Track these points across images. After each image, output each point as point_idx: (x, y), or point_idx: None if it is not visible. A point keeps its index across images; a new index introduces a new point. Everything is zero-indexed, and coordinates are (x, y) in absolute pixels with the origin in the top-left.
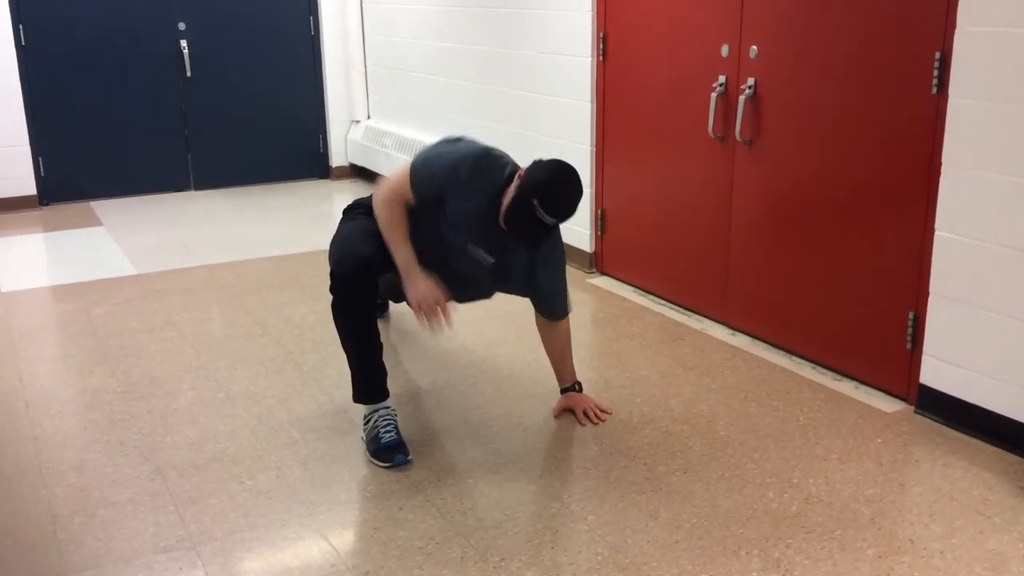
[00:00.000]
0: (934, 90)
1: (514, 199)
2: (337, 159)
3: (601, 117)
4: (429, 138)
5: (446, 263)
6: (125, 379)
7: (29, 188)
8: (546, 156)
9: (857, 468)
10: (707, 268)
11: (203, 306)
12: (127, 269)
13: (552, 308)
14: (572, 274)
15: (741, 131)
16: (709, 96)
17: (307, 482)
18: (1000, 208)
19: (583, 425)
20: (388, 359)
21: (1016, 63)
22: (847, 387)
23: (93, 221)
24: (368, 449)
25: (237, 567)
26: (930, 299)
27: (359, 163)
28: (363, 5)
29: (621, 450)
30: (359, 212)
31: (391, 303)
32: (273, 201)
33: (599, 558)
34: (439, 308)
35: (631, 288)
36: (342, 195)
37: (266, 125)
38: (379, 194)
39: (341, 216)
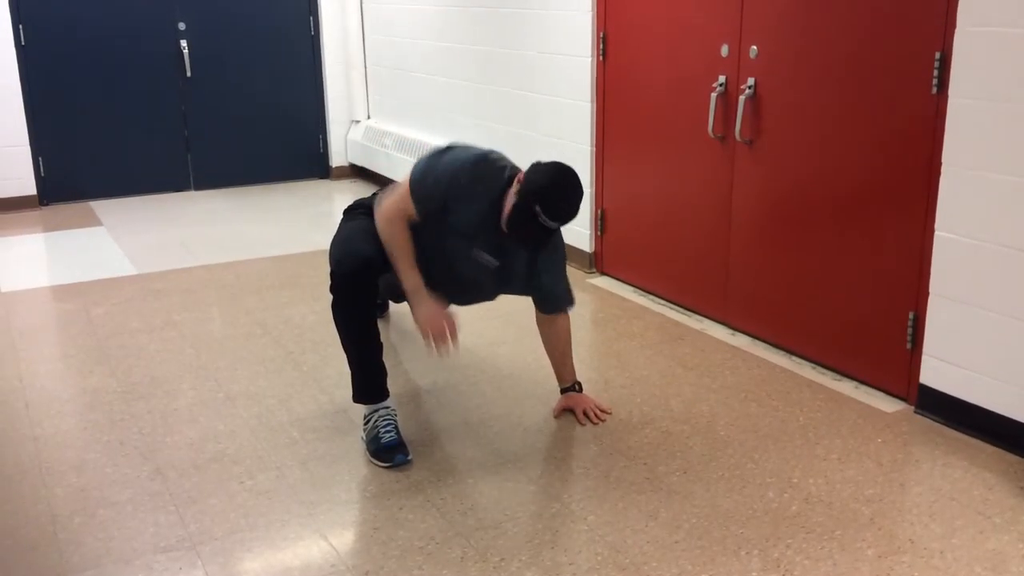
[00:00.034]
0: (934, 90)
1: (516, 205)
2: (337, 159)
3: (601, 117)
4: (429, 138)
5: (451, 269)
6: (125, 379)
7: (29, 188)
8: (546, 156)
9: (857, 468)
10: (707, 268)
11: (203, 306)
12: (127, 269)
13: (554, 306)
14: (572, 274)
15: (741, 131)
16: (709, 96)
17: (307, 482)
18: (1000, 208)
19: (583, 425)
20: (388, 359)
21: (1016, 63)
22: (847, 387)
23: (93, 221)
24: (368, 449)
25: (237, 567)
26: (930, 299)
27: (359, 163)
28: (363, 5)
29: (621, 450)
30: (359, 212)
31: (391, 303)
32: (273, 201)
33: (599, 558)
34: (447, 332)
35: (631, 288)
36: (342, 195)
37: (266, 125)
38: (381, 215)
39: (342, 217)
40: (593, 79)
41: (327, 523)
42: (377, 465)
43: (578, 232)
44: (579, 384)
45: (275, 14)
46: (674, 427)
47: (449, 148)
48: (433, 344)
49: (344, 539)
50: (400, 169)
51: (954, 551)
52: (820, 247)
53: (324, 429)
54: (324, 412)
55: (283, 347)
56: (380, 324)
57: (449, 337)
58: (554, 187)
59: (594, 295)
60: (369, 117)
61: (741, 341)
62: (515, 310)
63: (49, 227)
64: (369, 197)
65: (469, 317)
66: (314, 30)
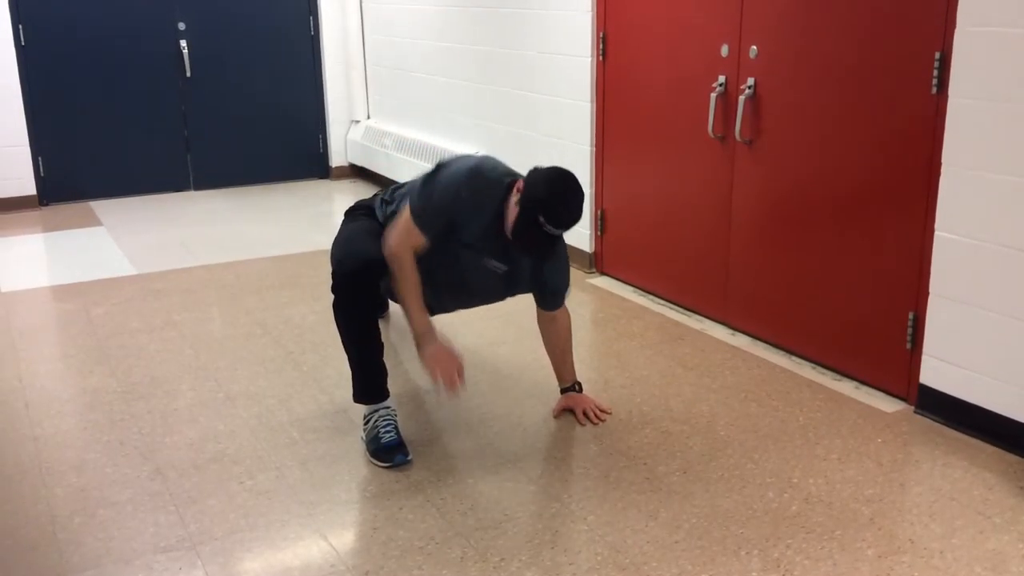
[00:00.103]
0: (934, 90)
1: (520, 217)
2: (337, 159)
3: (601, 117)
4: (429, 138)
5: (461, 277)
6: (125, 379)
7: (29, 188)
8: (546, 156)
9: (857, 468)
10: (707, 268)
11: (203, 306)
12: (127, 269)
13: (555, 302)
14: (572, 274)
15: (741, 131)
16: (709, 96)
17: (307, 482)
18: (1000, 208)
19: (583, 425)
20: (388, 359)
21: (1016, 63)
22: (847, 387)
23: (93, 221)
24: (368, 449)
25: (237, 567)
26: (930, 299)
27: (359, 163)
28: (363, 5)
29: (621, 450)
30: (360, 213)
31: (391, 303)
32: (273, 201)
33: (599, 558)
34: (454, 372)
35: (631, 288)
36: (342, 195)
37: (266, 125)
38: (388, 254)
39: (343, 218)
40: (593, 79)
41: (327, 523)
42: (377, 465)
43: (578, 232)
44: (579, 384)
45: (275, 14)
46: (674, 427)
47: (439, 167)
48: (441, 385)
49: (344, 539)
50: (400, 169)
51: (954, 551)
52: (820, 247)
53: (324, 429)
54: (324, 412)
55: (283, 347)
56: (380, 324)
57: (456, 377)
58: (556, 195)
59: (594, 295)
60: (369, 117)
61: (741, 341)
62: (515, 310)
63: (49, 227)
64: (370, 198)
65: (469, 317)
66: (314, 30)
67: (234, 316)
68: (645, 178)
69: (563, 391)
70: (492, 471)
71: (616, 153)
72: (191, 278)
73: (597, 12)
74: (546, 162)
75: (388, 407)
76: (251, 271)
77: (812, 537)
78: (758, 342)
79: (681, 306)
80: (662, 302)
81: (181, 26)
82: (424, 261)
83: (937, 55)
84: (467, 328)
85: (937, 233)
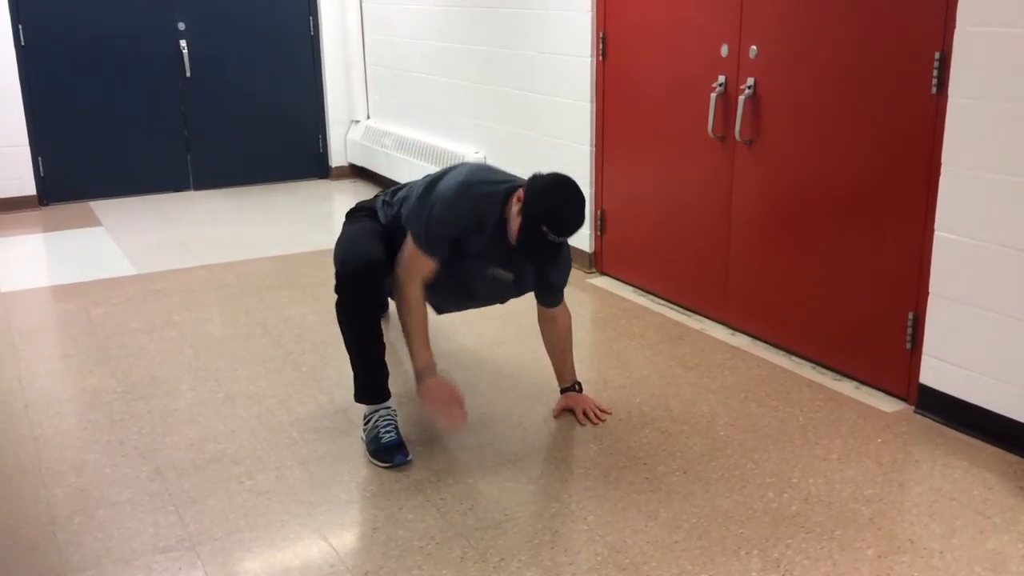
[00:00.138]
0: (934, 90)
1: (523, 227)
2: (337, 159)
3: (601, 117)
4: (429, 138)
5: (466, 287)
6: (125, 379)
7: (29, 188)
8: (546, 156)
9: (857, 468)
10: (707, 268)
11: (203, 306)
12: (127, 269)
13: (555, 299)
14: (572, 274)
15: (741, 131)
16: (709, 96)
17: (307, 482)
18: (1000, 208)
19: (583, 425)
20: (388, 359)
21: (1016, 63)
22: (847, 387)
23: (93, 221)
24: (368, 449)
25: (237, 567)
26: (930, 299)
27: (359, 163)
28: (363, 5)
29: (621, 450)
30: (362, 215)
31: (392, 302)
32: (273, 201)
33: (599, 558)
34: (452, 406)
35: (631, 288)
36: (342, 195)
37: (266, 125)
38: (398, 285)
39: (344, 219)
40: (593, 79)
41: (327, 523)
42: (377, 465)
43: (578, 232)
44: (579, 384)
45: (275, 14)
46: (674, 427)
47: (432, 183)
48: (440, 417)
49: (344, 539)
50: (400, 169)
51: (954, 551)
52: (820, 247)
53: (324, 429)
54: (324, 412)
55: (283, 347)
56: (381, 324)
57: (454, 410)
58: (558, 205)
59: (594, 295)
60: (369, 117)
61: (741, 341)
62: (515, 310)
63: (49, 227)
64: (371, 199)
65: (469, 317)
66: (314, 30)
67: (234, 316)
68: (645, 178)
69: (563, 391)
70: (492, 471)
71: (616, 153)
72: (191, 278)
73: (597, 12)
74: (546, 162)
75: (388, 407)
76: (251, 271)
77: (812, 537)
78: (758, 342)
79: (681, 306)
80: (662, 302)
81: (181, 26)
82: (434, 281)
83: (937, 55)
84: (467, 328)
85: (937, 233)
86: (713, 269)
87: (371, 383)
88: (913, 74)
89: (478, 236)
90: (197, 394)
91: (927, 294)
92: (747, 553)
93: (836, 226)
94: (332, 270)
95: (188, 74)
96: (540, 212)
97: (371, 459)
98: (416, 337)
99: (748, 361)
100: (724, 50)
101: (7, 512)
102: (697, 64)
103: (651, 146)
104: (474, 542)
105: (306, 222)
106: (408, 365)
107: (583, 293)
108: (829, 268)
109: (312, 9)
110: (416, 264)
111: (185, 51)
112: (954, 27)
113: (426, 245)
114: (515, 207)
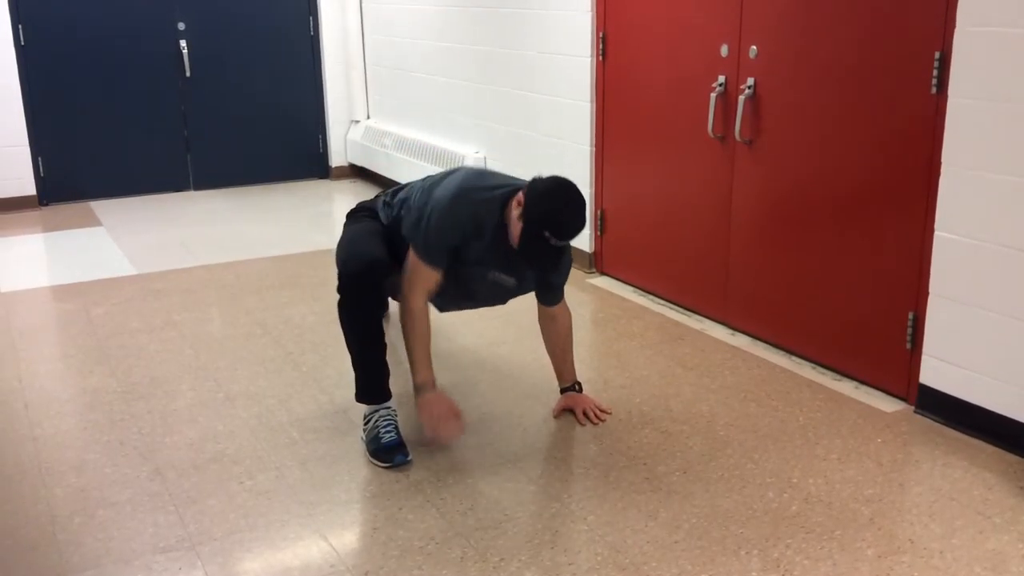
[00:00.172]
0: (934, 90)
1: (525, 233)
2: (337, 159)
3: (601, 117)
4: (429, 138)
5: (468, 291)
6: (125, 379)
7: (29, 188)
8: (546, 156)
9: (857, 468)
10: (707, 268)
11: (203, 306)
12: (127, 269)
13: (555, 297)
14: (572, 274)
15: (741, 131)
16: (709, 96)
17: (307, 482)
18: (1000, 208)
19: (583, 425)
20: (389, 359)
21: (1016, 63)
22: (847, 387)
23: (93, 221)
24: (368, 449)
25: (237, 567)
26: (930, 299)
27: (359, 163)
28: (363, 5)
29: (621, 450)
30: (363, 215)
31: (392, 301)
32: (273, 201)
33: (599, 558)
34: (448, 419)
35: (631, 288)
36: (342, 195)
37: (266, 125)
38: (404, 301)
39: (345, 220)
40: (593, 79)
41: (327, 523)
42: (377, 465)
43: None
44: (579, 384)
45: (275, 14)
46: (674, 427)
47: (428, 192)
48: (435, 429)
49: (344, 539)
50: (400, 169)
51: (954, 551)
52: (820, 247)
53: (324, 429)
54: (324, 412)
55: (283, 347)
56: (383, 324)
57: (449, 423)
58: (559, 209)
59: (594, 295)
60: (369, 117)
61: (741, 341)
62: (515, 310)
63: (49, 227)
64: (372, 199)
65: (469, 317)
66: (314, 30)
67: (234, 316)
68: (645, 178)
69: (563, 391)
70: (492, 471)
71: (616, 153)
72: (191, 278)
73: (597, 12)
74: (546, 162)
75: (389, 407)
76: (251, 271)
77: (812, 537)
78: (758, 342)
79: (681, 306)
80: (662, 302)
81: (181, 26)
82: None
83: (937, 55)
84: (467, 328)
85: (937, 233)
86: (713, 269)
87: (372, 383)
88: (913, 74)
89: (477, 242)
90: (197, 394)
91: (927, 294)
92: (747, 553)
93: (836, 226)
94: (332, 270)
95: (188, 74)
96: (541, 216)
97: (371, 459)
98: (417, 351)
99: (748, 361)
100: (724, 50)
101: (7, 512)
102: (697, 64)
103: (651, 146)
104: (474, 542)
105: (306, 222)
106: (408, 365)
107: (583, 293)
108: (829, 268)
109: (312, 9)
110: (419, 275)
111: (185, 51)
112: (954, 27)
113: (426, 255)
114: (515, 212)
